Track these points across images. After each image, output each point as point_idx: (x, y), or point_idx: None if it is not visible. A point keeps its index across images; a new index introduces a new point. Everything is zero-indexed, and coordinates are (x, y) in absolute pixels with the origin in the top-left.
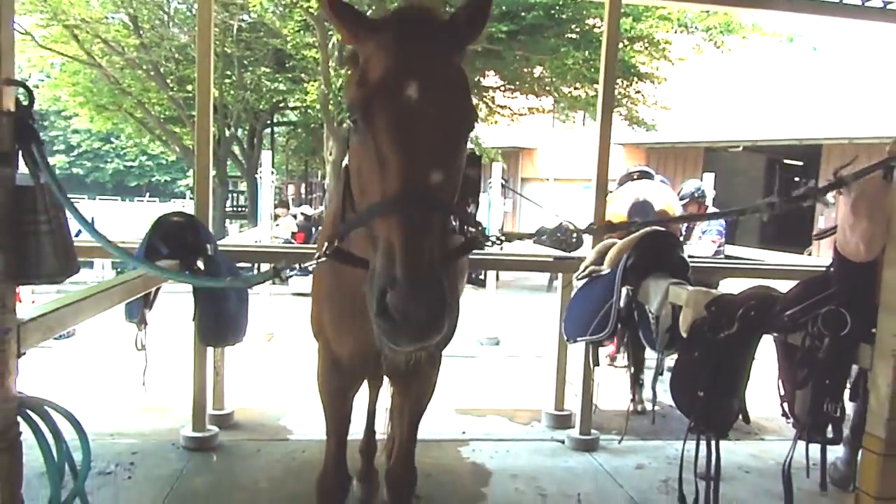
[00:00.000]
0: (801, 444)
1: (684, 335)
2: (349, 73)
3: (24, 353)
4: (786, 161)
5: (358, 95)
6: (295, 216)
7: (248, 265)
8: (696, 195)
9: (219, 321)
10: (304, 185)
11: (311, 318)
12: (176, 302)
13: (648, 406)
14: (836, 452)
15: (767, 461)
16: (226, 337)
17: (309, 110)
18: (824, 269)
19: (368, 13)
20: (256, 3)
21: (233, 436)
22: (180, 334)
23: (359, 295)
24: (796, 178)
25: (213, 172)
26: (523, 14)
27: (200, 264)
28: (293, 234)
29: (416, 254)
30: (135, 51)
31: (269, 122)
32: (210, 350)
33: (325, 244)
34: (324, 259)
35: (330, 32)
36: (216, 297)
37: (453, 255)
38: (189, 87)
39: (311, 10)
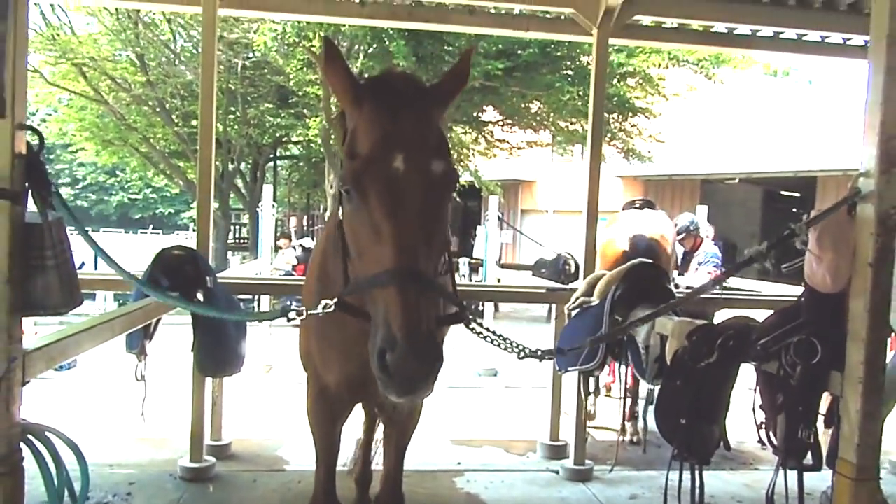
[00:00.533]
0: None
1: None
2: (334, 130)
3: (28, 382)
4: (782, 192)
5: (349, 169)
6: (295, 248)
7: (249, 297)
8: (690, 228)
9: (217, 352)
10: (305, 218)
11: (300, 349)
12: (174, 334)
13: (640, 435)
14: (828, 481)
15: (760, 490)
16: (224, 368)
17: (311, 144)
18: (795, 299)
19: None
20: (261, 43)
21: (230, 466)
22: (178, 366)
23: (346, 325)
24: (794, 210)
25: (215, 205)
26: (519, 52)
27: (200, 296)
28: (294, 266)
29: (411, 324)
30: (141, 88)
31: (271, 155)
32: (208, 381)
33: (325, 301)
34: (329, 311)
35: None
36: (215, 329)
37: (442, 322)
38: (193, 123)
39: (313, 48)
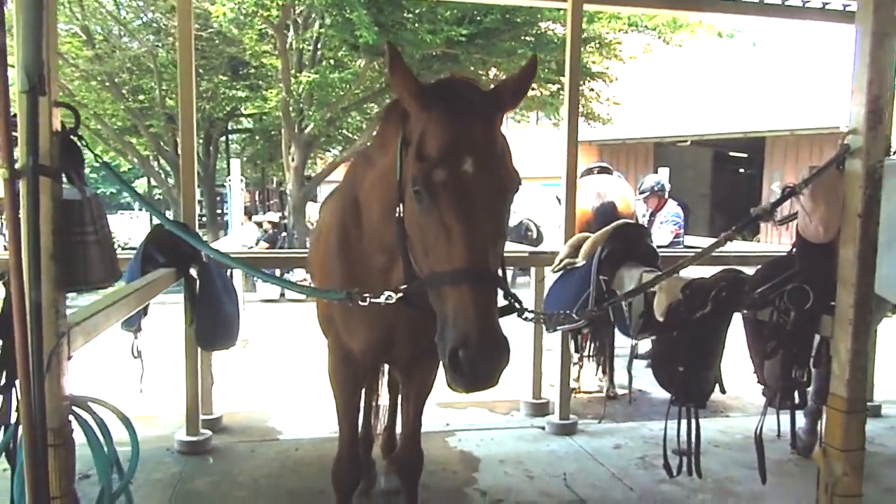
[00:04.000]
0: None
1: (660, 318)
2: (382, 125)
3: (72, 357)
4: (731, 153)
5: (421, 169)
6: (260, 224)
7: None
8: (655, 189)
9: (216, 324)
10: (258, 193)
11: (320, 316)
12: (155, 312)
13: (619, 391)
14: (798, 423)
15: (734, 435)
16: (224, 340)
17: (265, 117)
18: (786, 252)
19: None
20: (220, 14)
21: (225, 439)
22: (160, 343)
23: (371, 289)
24: (741, 170)
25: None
26: (480, 18)
27: (193, 272)
28: (257, 241)
29: (485, 323)
30: (88, 62)
31: (224, 129)
32: (201, 355)
33: (388, 292)
34: (393, 300)
35: (290, 40)
36: (214, 301)
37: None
38: (141, 97)
39: (270, 18)
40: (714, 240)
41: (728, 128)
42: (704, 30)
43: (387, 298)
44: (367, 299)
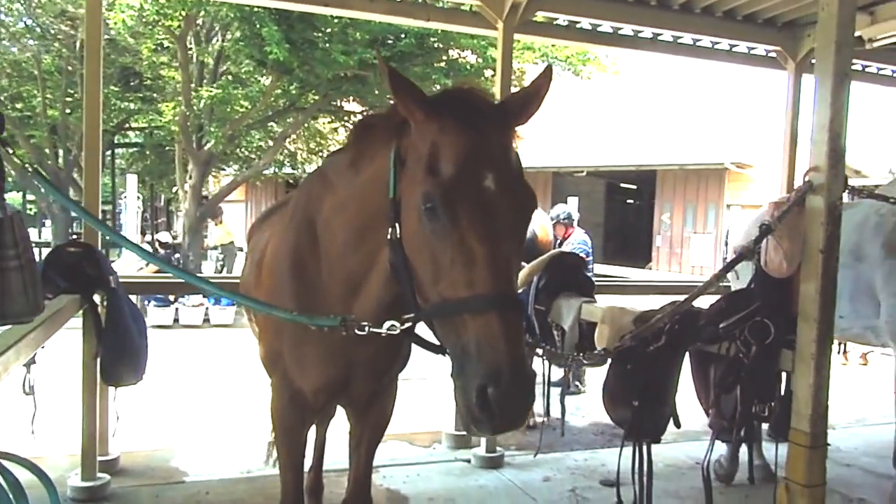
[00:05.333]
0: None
1: (600, 350)
2: (355, 144)
3: None
4: (622, 185)
5: (435, 184)
6: (151, 243)
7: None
8: (562, 218)
9: (125, 357)
10: (145, 211)
11: (264, 352)
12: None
13: (539, 420)
14: (719, 451)
15: (657, 464)
16: (132, 374)
17: (156, 131)
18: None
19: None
20: (118, 21)
21: (124, 482)
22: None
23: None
24: (629, 200)
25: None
26: (390, 41)
27: (97, 298)
28: (147, 262)
29: (518, 356)
30: None
31: (111, 143)
32: (99, 391)
33: (391, 322)
34: (397, 331)
35: (191, 52)
36: (121, 332)
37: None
38: (18, 105)
39: (172, 28)
40: (609, 267)
41: (622, 160)
42: (611, 64)
43: (389, 328)
44: (367, 328)
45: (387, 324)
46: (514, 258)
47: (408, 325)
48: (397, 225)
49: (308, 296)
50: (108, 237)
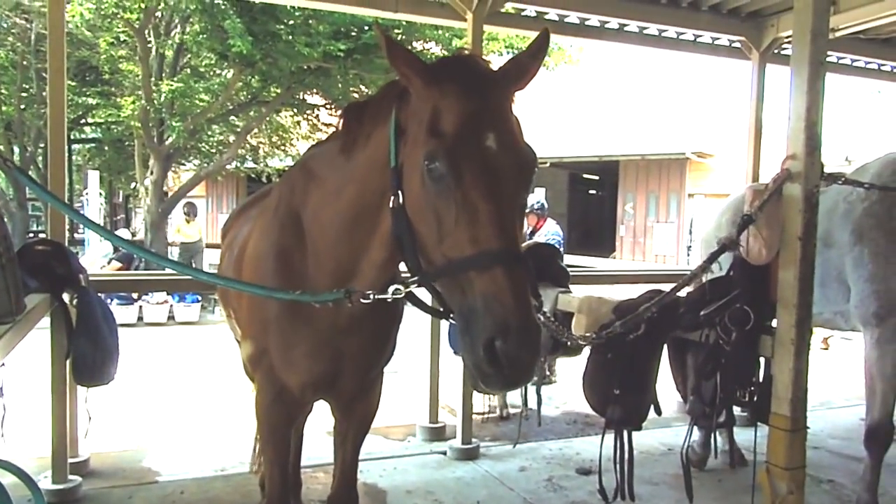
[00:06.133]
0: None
1: (578, 339)
2: (346, 128)
3: None
4: (585, 175)
5: (438, 144)
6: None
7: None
8: (535, 208)
9: (97, 356)
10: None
11: (248, 352)
12: None
13: (512, 411)
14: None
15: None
16: (104, 374)
17: (114, 126)
18: (725, 274)
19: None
20: (76, 14)
21: (96, 484)
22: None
23: (315, 319)
24: (591, 191)
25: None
26: (353, 33)
27: (66, 297)
28: (109, 260)
29: (525, 308)
30: None
31: (68, 138)
32: (68, 392)
33: (395, 285)
34: (401, 295)
35: (150, 45)
36: (93, 331)
37: None
38: None
39: (131, 21)
40: (574, 257)
41: (584, 151)
42: (577, 53)
43: (394, 293)
44: (371, 296)
45: (391, 287)
46: (518, 217)
47: (413, 286)
48: (400, 192)
49: (294, 289)
50: (102, 237)
